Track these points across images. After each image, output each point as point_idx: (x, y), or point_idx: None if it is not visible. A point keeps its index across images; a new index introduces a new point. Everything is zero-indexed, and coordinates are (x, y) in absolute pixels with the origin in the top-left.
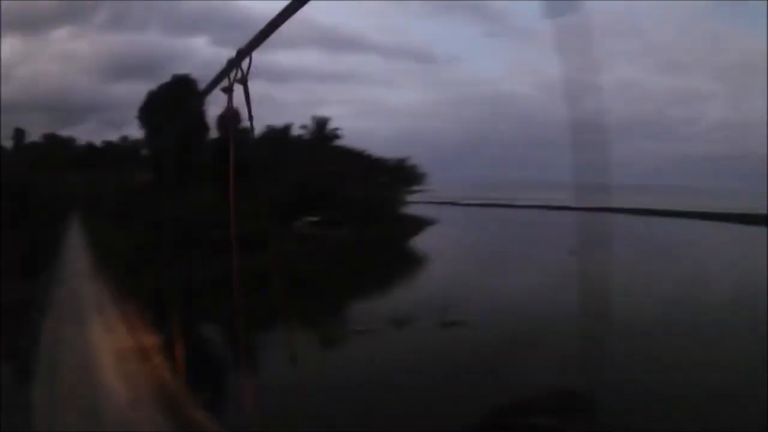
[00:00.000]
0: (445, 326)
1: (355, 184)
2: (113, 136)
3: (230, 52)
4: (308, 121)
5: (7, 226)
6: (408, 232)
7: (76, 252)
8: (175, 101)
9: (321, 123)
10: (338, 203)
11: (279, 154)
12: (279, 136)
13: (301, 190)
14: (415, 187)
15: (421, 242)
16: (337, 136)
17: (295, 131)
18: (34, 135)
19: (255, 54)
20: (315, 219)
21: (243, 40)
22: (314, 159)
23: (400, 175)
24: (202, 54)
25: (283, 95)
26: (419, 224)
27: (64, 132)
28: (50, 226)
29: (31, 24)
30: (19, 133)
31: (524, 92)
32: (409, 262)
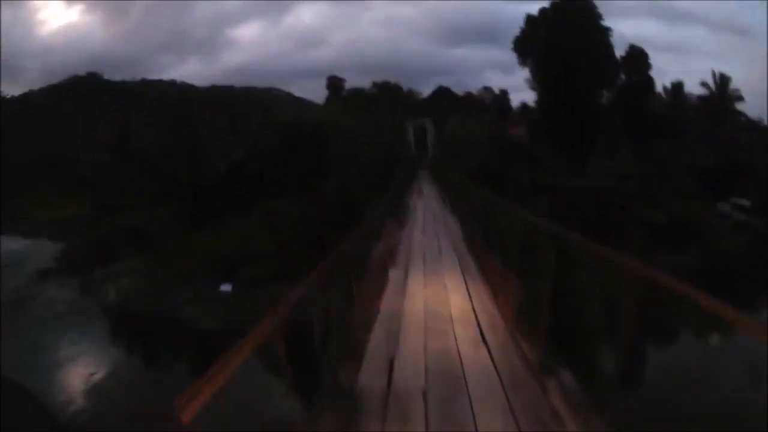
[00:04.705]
0: None
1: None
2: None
3: None
4: (708, 77)
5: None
6: None
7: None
8: (569, 27)
9: (724, 81)
10: (758, 183)
11: (677, 114)
12: (673, 91)
13: (719, 160)
14: None
15: None
16: (740, 98)
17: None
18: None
19: None
20: (744, 202)
21: None
22: (719, 122)
23: None
24: None
25: None
26: None
27: None
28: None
29: None
30: (334, 81)
31: None
32: None
